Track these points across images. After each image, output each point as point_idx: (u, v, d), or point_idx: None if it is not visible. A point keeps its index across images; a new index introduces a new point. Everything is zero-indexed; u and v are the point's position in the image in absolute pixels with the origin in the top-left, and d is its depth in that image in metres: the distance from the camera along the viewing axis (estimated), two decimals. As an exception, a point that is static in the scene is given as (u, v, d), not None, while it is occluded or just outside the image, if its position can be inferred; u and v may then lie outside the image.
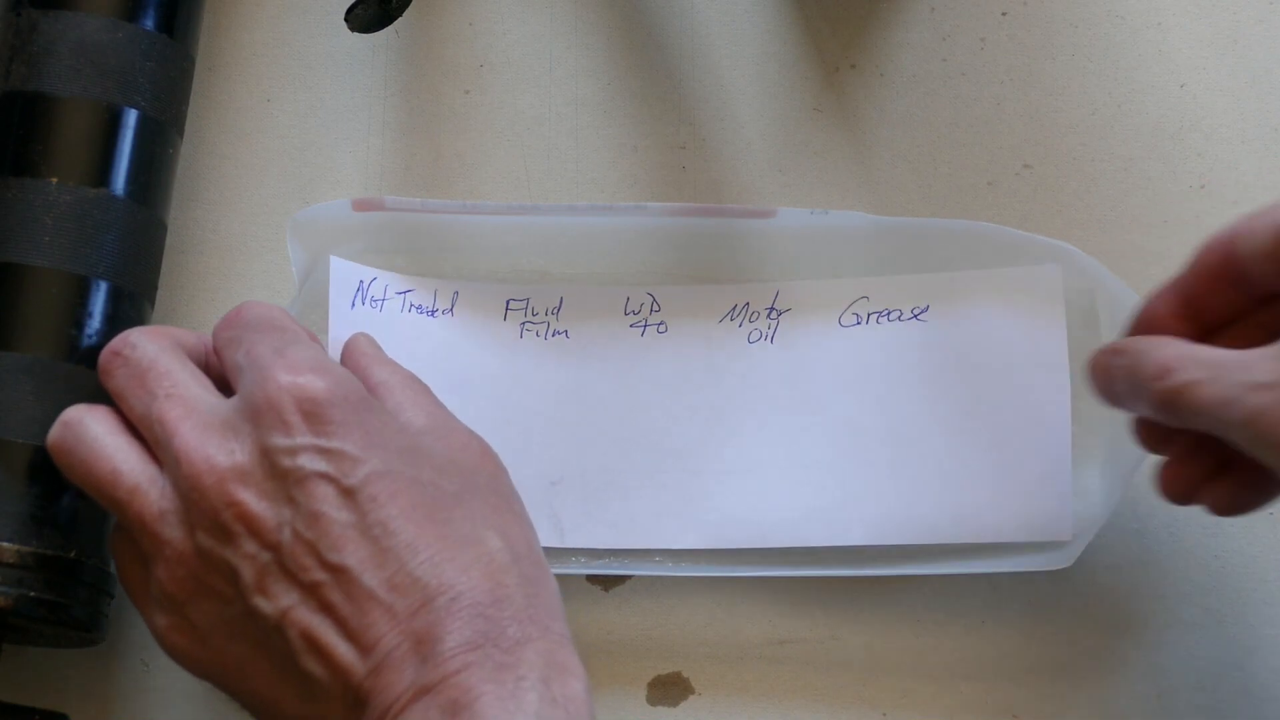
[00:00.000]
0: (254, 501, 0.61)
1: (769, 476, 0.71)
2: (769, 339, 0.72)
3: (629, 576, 0.72)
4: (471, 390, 0.72)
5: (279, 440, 0.61)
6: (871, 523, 0.71)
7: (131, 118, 0.69)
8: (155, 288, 0.71)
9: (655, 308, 0.72)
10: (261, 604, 0.60)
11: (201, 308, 0.73)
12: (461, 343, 0.72)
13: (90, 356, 0.67)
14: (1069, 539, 0.71)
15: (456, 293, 0.72)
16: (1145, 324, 0.66)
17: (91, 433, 0.64)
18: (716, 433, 0.72)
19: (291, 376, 0.62)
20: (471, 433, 0.65)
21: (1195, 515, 0.73)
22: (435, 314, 0.72)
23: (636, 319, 0.72)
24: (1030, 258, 0.72)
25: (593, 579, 0.72)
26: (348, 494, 0.61)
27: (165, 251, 0.72)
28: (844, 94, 0.76)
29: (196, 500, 0.61)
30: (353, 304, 0.72)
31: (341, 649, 0.59)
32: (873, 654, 0.72)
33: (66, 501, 0.67)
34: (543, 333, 0.72)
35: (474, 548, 0.60)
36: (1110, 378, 0.65)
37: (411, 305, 0.72)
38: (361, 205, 0.71)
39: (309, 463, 0.61)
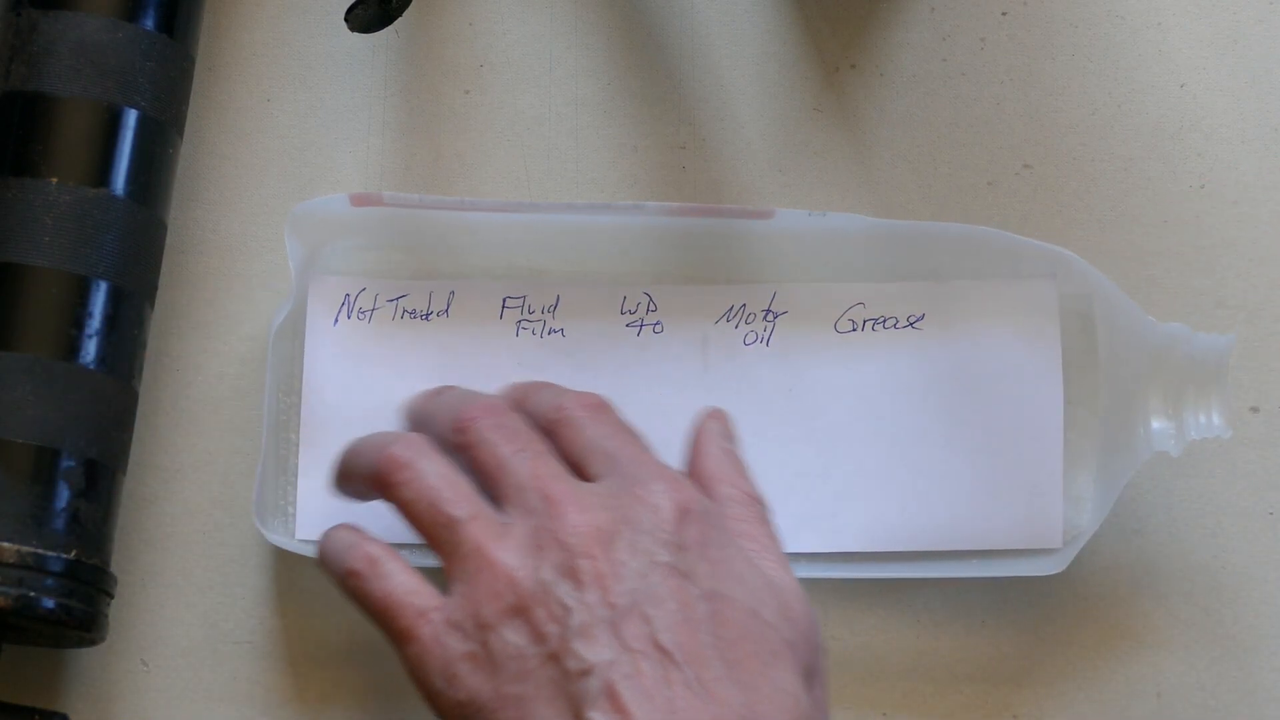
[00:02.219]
0: (612, 559, 0.62)
1: (761, 480, 0.71)
2: (765, 341, 0.72)
3: (628, 576, 0.72)
4: (466, 388, 0.72)
5: (650, 527, 0.63)
6: (863, 529, 0.71)
7: (131, 118, 0.69)
8: (155, 288, 0.71)
9: (652, 307, 0.72)
10: (581, 649, 0.61)
11: (201, 308, 0.74)
12: (457, 342, 0.72)
13: (90, 355, 0.67)
14: (1059, 546, 0.71)
15: (453, 292, 0.72)
16: None
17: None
18: (709, 434, 0.72)
19: (676, 486, 0.64)
20: (804, 599, 0.65)
21: (1194, 516, 0.73)
22: (430, 317, 0.72)
23: (633, 318, 0.72)
24: (1029, 263, 0.72)
25: (592, 579, 0.72)
26: (701, 598, 0.62)
27: (165, 251, 0.72)
28: (844, 94, 0.76)
29: (560, 536, 0.63)
30: (336, 320, 0.72)
31: (639, 713, 0.60)
32: (873, 654, 0.72)
33: (66, 501, 0.67)
34: (539, 331, 0.72)
35: (785, 698, 0.62)
36: None
37: (404, 311, 0.72)
38: (360, 200, 0.71)
39: (671, 558, 0.63)
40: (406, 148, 0.75)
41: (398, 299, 0.72)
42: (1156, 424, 0.70)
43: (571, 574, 0.62)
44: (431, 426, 0.67)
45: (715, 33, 0.76)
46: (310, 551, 0.70)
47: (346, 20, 0.70)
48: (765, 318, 0.72)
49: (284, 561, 0.72)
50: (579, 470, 0.66)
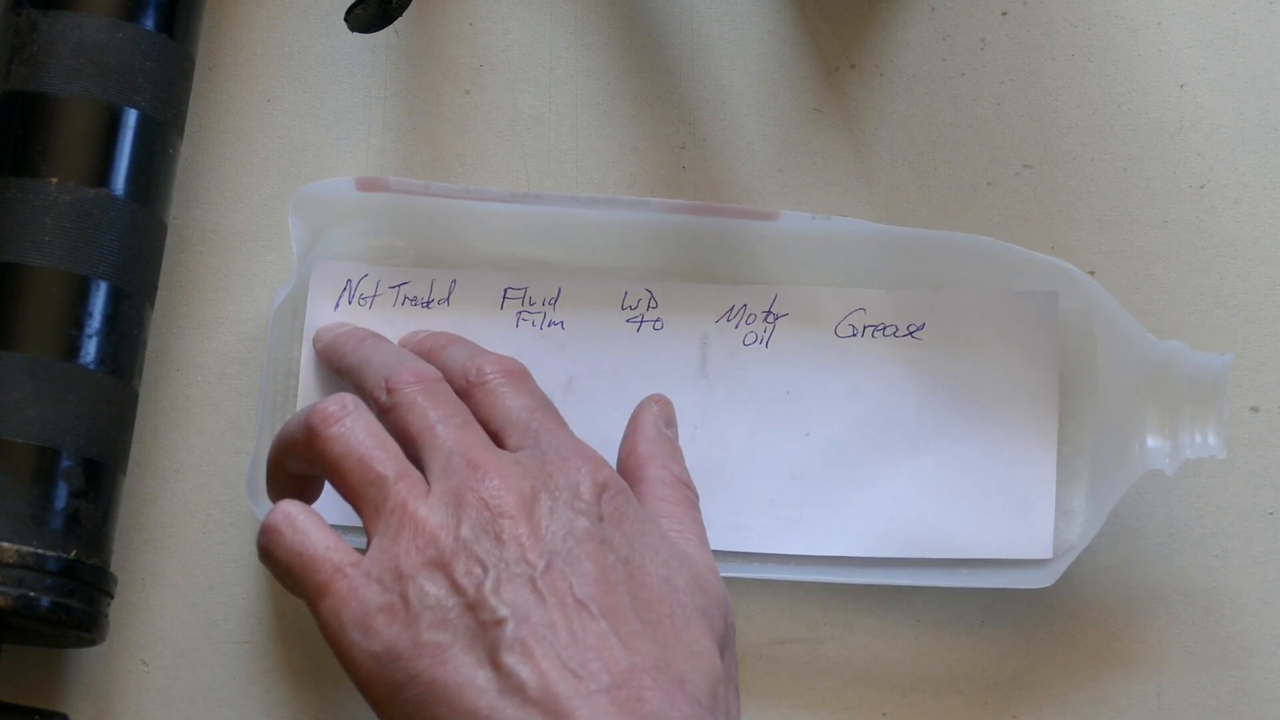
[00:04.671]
0: (532, 522, 0.63)
1: (754, 482, 0.71)
2: (764, 343, 0.72)
3: (628, 576, 0.72)
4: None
5: (569, 498, 0.64)
6: (854, 534, 0.71)
7: (131, 118, 0.69)
8: (155, 288, 0.71)
9: (653, 304, 0.72)
10: (496, 601, 0.62)
11: (201, 308, 0.74)
12: (457, 331, 0.72)
13: (90, 355, 0.67)
14: (1050, 558, 0.71)
15: (454, 281, 0.72)
16: None
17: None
18: (704, 434, 0.72)
19: (596, 464, 0.65)
20: (718, 577, 0.66)
21: (1194, 515, 0.73)
22: (431, 305, 0.72)
23: (633, 314, 0.72)
24: (1031, 276, 0.72)
25: (592, 579, 0.72)
26: (618, 562, 0.63)
27: (165, 251, 0.72)
28: (844, 94, 0.76)
29: (483, 495, 0.63)
30: (337, 304, 0.72)
31: (550, 669, 0.61)
32: (872, 655, 0.72)
33: (66, 501, 0.67)
34: (539, 323, 0.72)
35: (701, 658, 0.63)
36: None
37: (405, 299, 0.72)
38: (365, 185, 0.72)
39: (590, 525, 0.63)
40: (406, 148, 0.75)
41: (399, 286, 0.72)
42: (1152, 442, 0.70)
43: (491, 532, 0.63)
44: (355, 378, 0.68)
45: (715, 33, 0.76)
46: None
47: (346, 20, 0.70)
48: (766, 319, 0.72)
49: (284, 561, 0.72)
50: (497, 438, 0.66)
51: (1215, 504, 0.73)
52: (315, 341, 0.71)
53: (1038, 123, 0.76)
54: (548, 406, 0.67)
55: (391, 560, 0.63)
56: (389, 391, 0.66)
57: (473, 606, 0.62)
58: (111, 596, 0.68)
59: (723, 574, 0.71)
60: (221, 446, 0.73)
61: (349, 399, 0.66)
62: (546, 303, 0.72)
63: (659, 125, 0.76)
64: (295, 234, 0.71)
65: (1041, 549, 0.71)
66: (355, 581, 0.63)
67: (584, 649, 0.61)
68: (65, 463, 0.67)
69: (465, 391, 0.67)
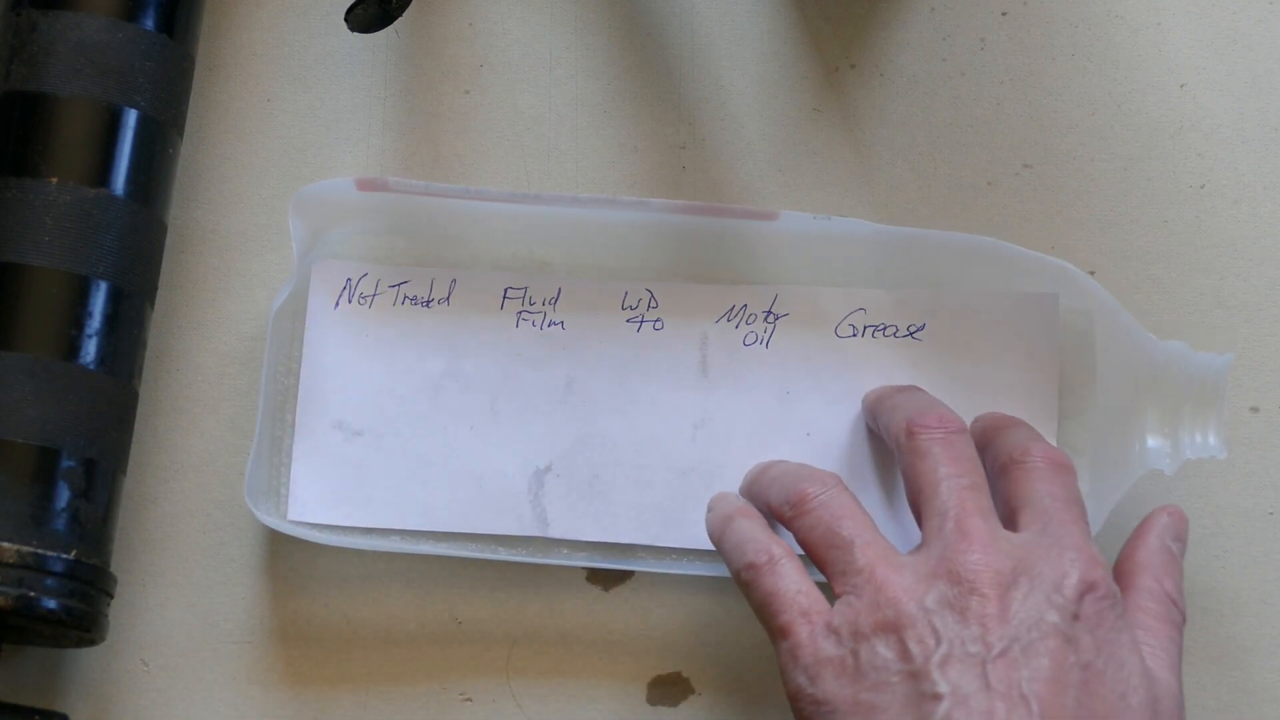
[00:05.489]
0: (1002, 604, 0.63)
1: None
2: (764, 343, 0.72)
3: (629, 576, 0.72)
4: (463, 376, 0.72)
5: (1049, 589, 0.64)
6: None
7: (131, 118, 0.69)
8: (155, 288, 0.71)
9: (653, 304, 0.72)
10: (941, 675, 0.62)
11: (201, 308, 0.74)
12: (457, 331, 0.72)
13: (90, 355, 0.67)
14: None
15: (454, 280, 0.72)
16: None
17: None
18: (704, 434, 0.72)
19: (1091, 563, 0.65)
20: (1180, 706, 0.66)
21: (1194, 515, 0.73)
22: (431, 304, 0.72)
23: (633, 314, 0.72)
24: (1032, 276, 0.72)
25: (593, 579, 0.72)
26: (1077, 666, 0.63)
27: (165, 251, 0.72)
28: (844, 94, 0.76)
29: (958, 569, 0.64)
30: (337, 304, 0.72)
31: None
32: (873, 654, 0.72)
33: (66, 501, 0.67)
34: (539, 322, 0.72)
35: None
36: None
37: (405, 298, 0.72)
38: (365, 185, 0.72)
39: (1059, 621, 0.63)
40: (406, 148, 0.75)
41: (399, 285, 0.72)
42: (1152, 442, 0.70)
43: (957, 607, 0.63)
44: (884, 419, 0.70)
45: (715, 33, 0.76)
46: (300, 533, 0.70)
47: (346, 20, 0.70)
48: (766, 319, 0.72)
49: (284, 561, 0.72)
50: (1011, 514, 0.67)
51: (1215, 504, 0.73)
52: (865, 399, 0.72)
53: (1038, 123, 0.76)
54: (1074, 501, 0.67)
55: (852, 615, 0.64)
56: (909, 434, 0.67)
57: (915, 675, 0.63)
58: (111, 596, 0.68)
59: (724, 574, 0.71)
60: (221, 446, 0.73)
61: (830, 480, 0.67)
62: (546, 303, 0.72)
63: (659, 125, 0.76)
64: (295, 234, 0.72)
65: None
66: (816, 630, 0.65)
67: None
68: (65, 463, 0.67)
69: (1006, 468, 0.68)
